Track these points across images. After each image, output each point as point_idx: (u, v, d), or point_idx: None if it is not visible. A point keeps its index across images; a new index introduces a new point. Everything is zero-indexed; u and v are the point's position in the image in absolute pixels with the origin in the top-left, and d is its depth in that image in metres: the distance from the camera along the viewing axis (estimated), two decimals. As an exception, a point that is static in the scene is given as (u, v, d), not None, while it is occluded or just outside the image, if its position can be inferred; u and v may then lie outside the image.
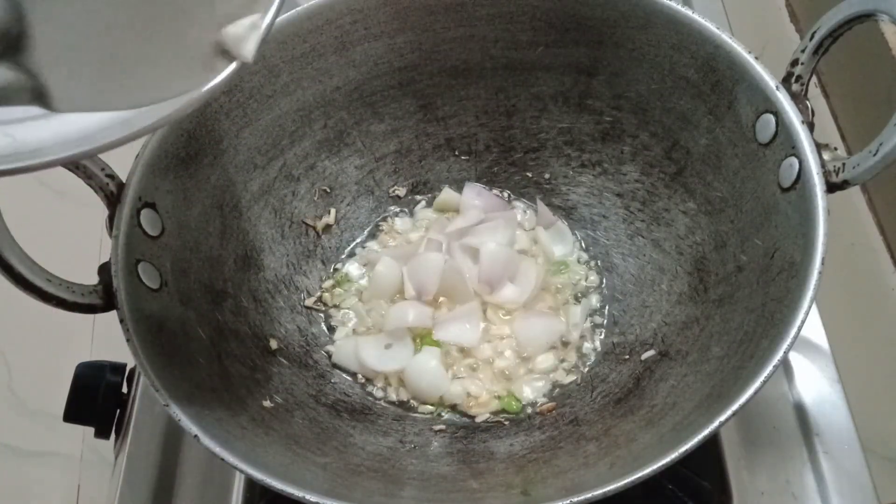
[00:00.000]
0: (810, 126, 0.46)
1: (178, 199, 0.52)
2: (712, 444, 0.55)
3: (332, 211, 0.63)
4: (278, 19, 0.34)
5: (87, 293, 0.46)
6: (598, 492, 0.39)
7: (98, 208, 0.49)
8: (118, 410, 0.59)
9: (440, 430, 0.54)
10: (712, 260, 0.53)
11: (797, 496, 0.53)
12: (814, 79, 0.48)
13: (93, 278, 0.47)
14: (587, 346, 0.58)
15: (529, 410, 0.55)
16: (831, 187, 0.45)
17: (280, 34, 0.55)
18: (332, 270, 0.62)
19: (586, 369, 0.56)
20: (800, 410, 0.57)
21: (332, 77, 0.59)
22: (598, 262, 0.61)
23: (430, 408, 0.56)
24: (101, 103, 0.32)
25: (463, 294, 0.58)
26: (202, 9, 0.31)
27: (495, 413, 0.55)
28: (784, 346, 0.41)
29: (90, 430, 0.59)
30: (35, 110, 0.30)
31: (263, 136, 0.58)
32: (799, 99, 0.47)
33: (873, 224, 0.72)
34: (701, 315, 0.52)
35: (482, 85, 0.61)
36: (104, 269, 0.47)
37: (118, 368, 0.59)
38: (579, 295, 0.60)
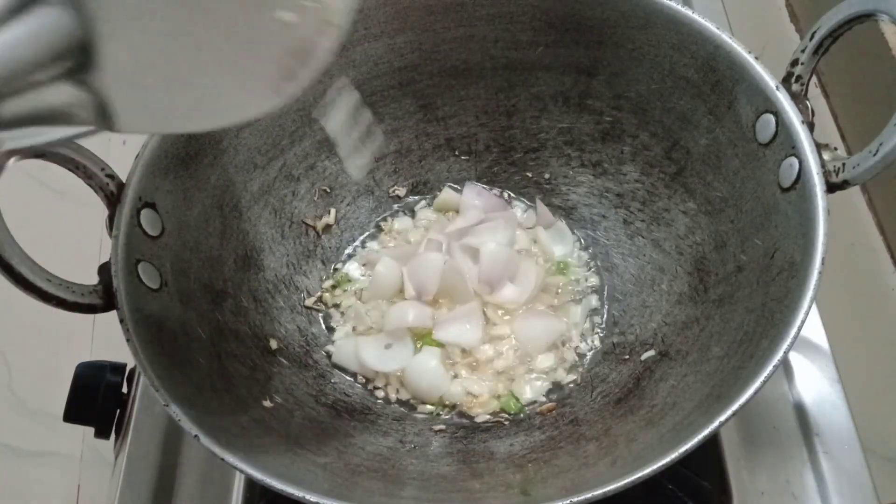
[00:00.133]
0: (810, 126, 0.46)
1: (178, 199, 0.52)
2: (712, 444, 0.55)
3: (332, 211, 0.63)
4: None
5: (87, 293, 0.46)
6: (598, 492, 0.39)
7: (98, 208, 0.49)
8: (118, 410, 0.59)
9: (440, 430, 0.54)
10: (712, 260, 0.53)
11: (797, 496, 0.53)
12: (814, 79, 0.48)
13: (93, 278, 0.47)
14: (587, 346, 0.58)
15: (528, 410, 0.55)
16: (831, 187, 0.45)
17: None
18: (332, 270, 0.62)
19: (586, 369, 0.56)
20: (800, 410, 0.57)
21: (332, 77, 0.59)
22: (598, 262, 0.61)
23: (430, 408, 0.56)
24: (164, 125, 0.32)
25: (463, 294, 0.58)
26: (271, 30, 0.31)
27: (495, 413, 0.55)
28: (784, 346, 0.41)
29: (90, 430, 0.59)
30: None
31: (263, 136, 0.58)
32: (799, 99, 0.47)
33: (873, 224, 0.72)
34: (701, 315, 0.52)
35: (482, 85, 0.61)
36: (104, 269, 0.47)
37: (118, 368, 0.59)
38: (579, 295, 0.60)
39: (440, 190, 0.64)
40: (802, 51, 0.47)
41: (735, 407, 0.40)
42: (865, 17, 0.44)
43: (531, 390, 0.56)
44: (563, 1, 0.55)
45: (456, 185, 0.64)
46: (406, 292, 0.58)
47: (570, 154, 0.62)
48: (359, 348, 0.57)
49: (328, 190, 0.62)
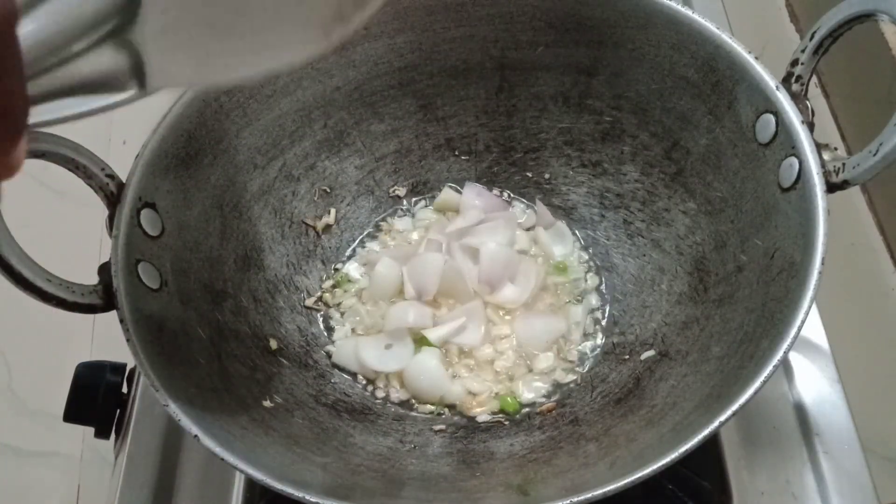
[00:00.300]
0: (810, 126, 0.46)
1: (178, 199, 0.52)
2: (712, 444, 0.55)
3: (332, 211, 0.63)
4: None
5: (87, 293, 0.46)
6: (598, 492, 0.39)
7: (98, 208, 0.49)
8: (118, 410, 0.59)
9: (440, 430, 0.54)
10: (712, 260, 0.53)
11: (797, 496, 0.53)
12: (814, 79, 0.48)
13: (93, 278, 0.47)
14: (587, 346, 0.58)
15: (527, 410, 0.55)
16: (831, 187, 0.45)
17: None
18: (332, 270, 0.62)
19: (586, 369, 0.56)
20: (800, 410, 0.57)
21: (332, 77, 0.59)
22: (598, 262, 0.61)
23: (430, 408, 0.56)
24: (202, 76, 0.30)
25: (463, 294, 0.58)
26: None
27: (495, 413, 0.55)
28: (784, 346, 0.41)
29: (90, 430, 0.59)
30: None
31: (263, 136, 0.58)
32: (799, 99, 0.47)
33: (873, 224, 0.72)
34: (701, 315, 0.52)
35: (482, 85, 0.61)
36: (104, 269, 0.47)
37: (118, 368, 0.59)
38: (579, 295, 0.60)
39: (440, 190, 0.64)
40: (802, 51, 0.47)
41: (735, 407, 0.40)
42: (865, 17, 0.44)
43: (531, 390, 0.56)
44: (563, 1, 0.55)
45: (456, 185, 0.64)
46: (406, 292, 0.58)
47: (570, 154, 0.62)
48: (359, 348, 0.57)
49: (328, 190, 0.62)
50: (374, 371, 0.56)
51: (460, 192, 0.64)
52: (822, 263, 0.42)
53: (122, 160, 0.49)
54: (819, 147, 0.46)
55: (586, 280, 0.60)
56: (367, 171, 0.63)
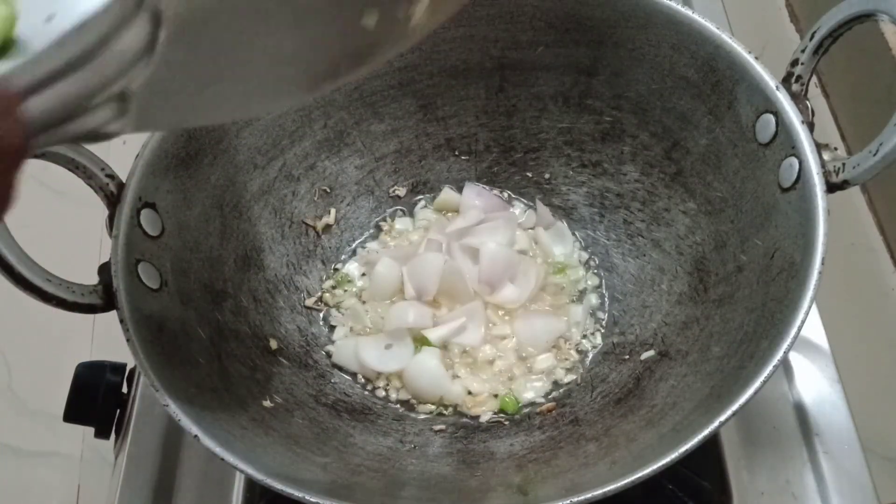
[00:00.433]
0: (810, 126, 0.46)
1: (178, 199, 0.52)
2: (712, 444, 0.55)
3: (332, 211, 0.63)
4: None
5: (87, 293, 0.46)
6: (598, 492, 0.39)
7: (98, 208, 0.49)
8: (118, 410, 0.59)
9: (440, 430, 0.54)
10: (712, 260, 0.53)
11: (797, 496, 0.53)
12: (814, 79, 0.48)
13: (93, 278, 0.47)
14: (587, 346, 0.58)
15: (527, 410, 0.55)
16: (831, 187, 0.45)
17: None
18: (332, 270, 0.62)
19: (586, 369, 0.56)
20: (800, 410, 0.57)
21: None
22: (598, 262, 0.61)
23: (430, 408, 0.56)
24: (183, 120, 0.29)
25: (463, 294, 0.58)
26: (344, 31, 0.28)
27: (495, 413, 0.55)
28: (784, 347, 0.41)
29: (90, 430, 0.59)
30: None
31: (263, 136, 0.58)
32: (799, 99, 0.47)
33: (873, 224, 0.72)
34: (701, 315, 0.52)
35: (482, 85, 0.61)
36: (104, 269, 0.47)
37: (118, 368, 0.59)
38: (579, 295, 0.60)
39: (440, 190, 0.64)
40: (802, 51, 0.47)
41: (735, 407, 0.40)
42: (865, 17, 0.44)
43: (531, 390, 0.56)
44: (563, 1, 0.55)
45: (456, 186, 0.64)
46: (406, 292, 0.58)
47: (570, 154, 0.62)
48: (359, 348, 0.57)
49: (328, 190, 0.62)
50: (374, 371, 0.56)
51: (460, 193, 0.64)
52: (822, 263, 0.42)
53: (122, 160, 0.49)
54: (819, 147, 0.46)
55: (586, 280, 0.60)
56: (367, 171, 0.63)
